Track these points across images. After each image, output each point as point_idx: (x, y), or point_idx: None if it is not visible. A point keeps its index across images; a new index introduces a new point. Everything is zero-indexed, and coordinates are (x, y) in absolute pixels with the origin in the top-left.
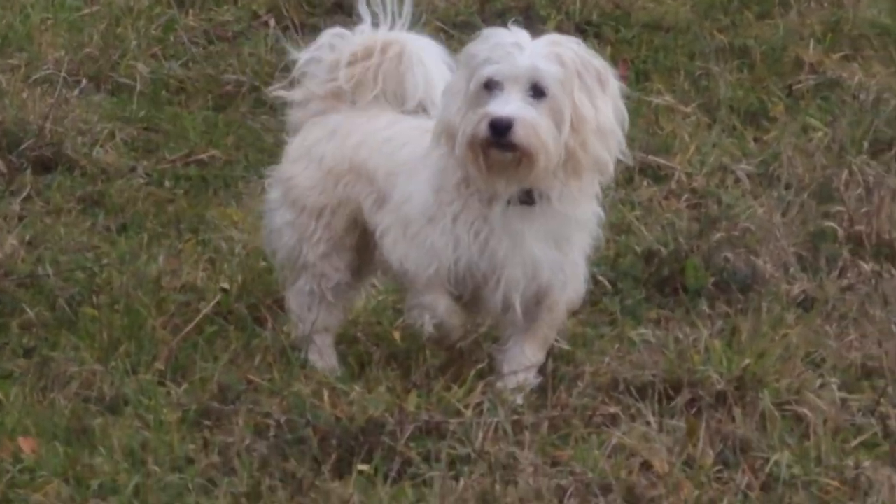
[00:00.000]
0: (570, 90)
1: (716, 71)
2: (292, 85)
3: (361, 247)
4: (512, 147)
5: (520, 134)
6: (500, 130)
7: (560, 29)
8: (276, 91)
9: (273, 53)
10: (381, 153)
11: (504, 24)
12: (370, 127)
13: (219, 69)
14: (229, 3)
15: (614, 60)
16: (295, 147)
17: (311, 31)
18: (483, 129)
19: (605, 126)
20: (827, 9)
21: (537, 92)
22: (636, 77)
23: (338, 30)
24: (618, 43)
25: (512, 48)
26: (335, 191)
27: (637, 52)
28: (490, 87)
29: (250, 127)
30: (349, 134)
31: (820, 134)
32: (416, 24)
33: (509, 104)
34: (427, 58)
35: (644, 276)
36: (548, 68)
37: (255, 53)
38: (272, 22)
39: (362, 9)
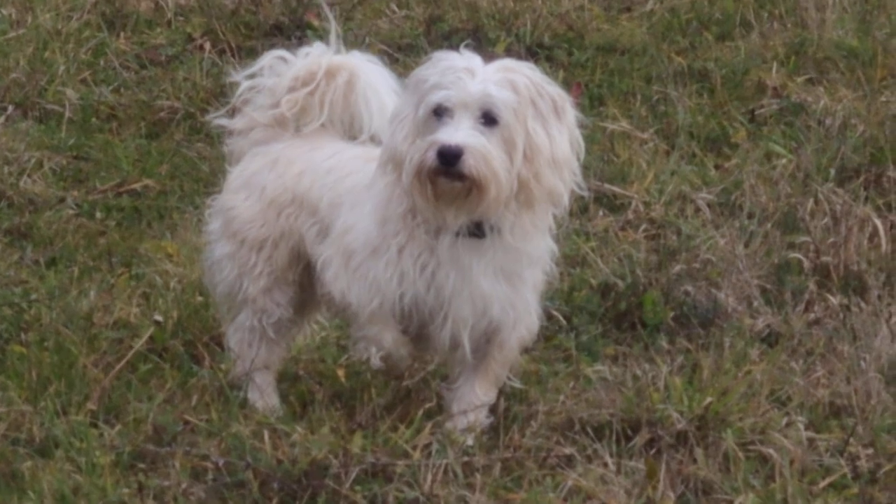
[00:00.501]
0: (523, 118)
1: (674, 95)
2: (232, 112)
3: (304, 281)
4: (461, 177)
5: (469, 163)
6: (449, 159)
7: (510, 52)
8: (216, 119)
9: (209, 78)
10: (325, 183)
11: (451, 47)
12: (313, 156)
13: (152, 95)
14: (163, 26)
15: (567, 84)
16: (235, 177)
17: (248, 55)
18: (431, 158)
19: (559, 156)
20: (790, 30)
21: (489, 119)
22: (590, 102)
23: (279, 52)
24: (571, 66)
25: (463, 73)
26: (277, 222)
27: (591, 76)
28: (439, 113)
29: (185, 155)
30: (291, 163)
31: (784, 161)
32: (359, 47)
33: (459, 132)
34: (381, 87)
35: (600, 310)
36: (500, 95)
37: (189, 78)
38: (208, 45)
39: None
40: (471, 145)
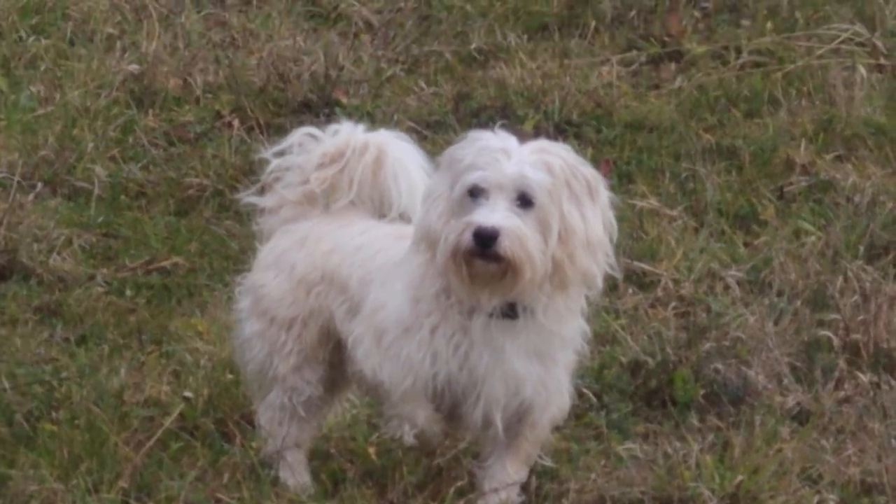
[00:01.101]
0: (558, 200)
1: (703, 172)
2: (262, 190)
3: (335, 360)
4: (497, 258)
5: (505, 245)
6: (486, 241)
7: (539, 129)
8: (245, 197)
9: (238, 155)
10: (354, 261)
11: (480, 124)
12: (343, 234)
13: (181, 172)
14: (191, 103)
15: (596, 161)
16: (265, 255)
17: (276, 132)
18: (467, 239)
19: (593, 238)
20: (818, 107)
21: (524, 201)
22: (619, 179)
23: (308, 129)
24: (599, 143)
25: (498, 154)
26: (307, 301)
27: (619, 153)
28: (475, 194)
29: (214, 233)
30: (321, 241)
31: (813, 238)
32: (387, 124)
33: (495, 213)
34: (410, 165)
35: (630, 388)
36: (536, 177)
37: (218, 155)
38: (236, 122)
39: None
40: (507, 227)
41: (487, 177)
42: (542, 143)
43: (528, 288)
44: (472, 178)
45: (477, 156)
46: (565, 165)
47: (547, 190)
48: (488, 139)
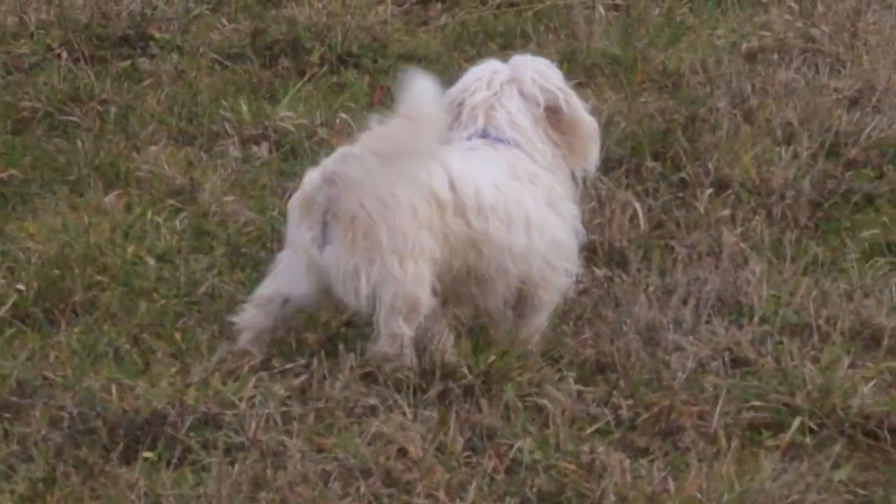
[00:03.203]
0: None
1: None
2: None
3: None
4: None
5: None
6: None
7: (323, 60)
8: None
9: (65, 83)
10: None
11: (273, 56)
12: None
13: (16, 97)
14: (26, 38)
15: (372, 88)
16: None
17: (99, 63)
18: None
19: None
20: (563, 40)
21: None
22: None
23: None
24: (375, 72)
25: None
26: None
27: (393, 80)
28: None
29: (45, 149)
30: None
31: None
32: (194, 55)
33: None
34: None
35: None
36: None
37: (49, 83)
38: (65, 54)
39: None
40: None
41: None
42: None
43: None
44: None
45: None
46: None
47: None
48: None
